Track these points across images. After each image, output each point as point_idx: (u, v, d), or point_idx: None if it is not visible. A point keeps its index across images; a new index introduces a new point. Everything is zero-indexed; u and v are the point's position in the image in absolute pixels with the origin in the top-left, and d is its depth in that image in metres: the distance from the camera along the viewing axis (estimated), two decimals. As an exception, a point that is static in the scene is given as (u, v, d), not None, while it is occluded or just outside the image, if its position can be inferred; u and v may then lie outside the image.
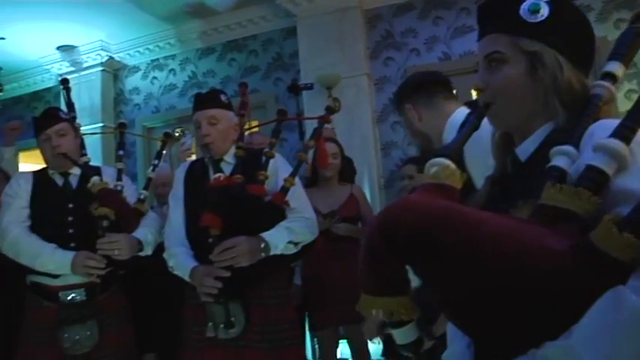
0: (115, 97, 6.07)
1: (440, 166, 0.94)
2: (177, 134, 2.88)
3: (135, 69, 6.03)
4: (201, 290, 2.08)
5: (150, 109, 5.85)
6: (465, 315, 0.88)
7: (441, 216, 0.82)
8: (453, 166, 0.94)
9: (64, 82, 2.77)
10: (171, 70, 5.79)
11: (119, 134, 2.69)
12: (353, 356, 3.29)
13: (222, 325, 2.10)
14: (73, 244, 2.36)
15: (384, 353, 3.24)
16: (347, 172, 3.45)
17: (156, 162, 2.66)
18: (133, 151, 5.80)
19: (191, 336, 2.26)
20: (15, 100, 6.80)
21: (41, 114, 2.53)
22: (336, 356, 3.32)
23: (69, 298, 2.35)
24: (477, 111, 1.05)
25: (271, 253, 2.07)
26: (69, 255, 2.30)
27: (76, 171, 2.50)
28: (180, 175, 2.44)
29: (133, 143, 5.76)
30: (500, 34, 1.03)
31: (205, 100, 2.35)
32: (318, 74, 4.55)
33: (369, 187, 4.31)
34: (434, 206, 0.85)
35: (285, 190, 2.14)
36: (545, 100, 0.99)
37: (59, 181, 2.50)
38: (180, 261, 2.23)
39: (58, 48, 5.91)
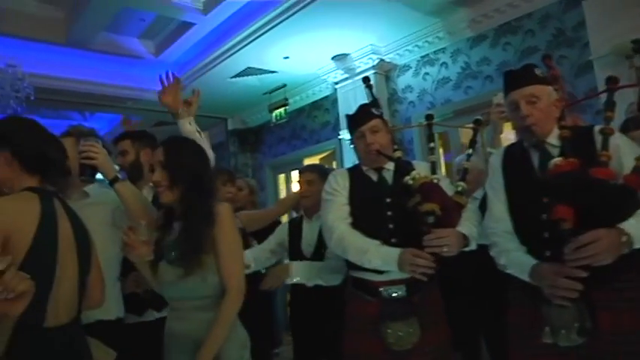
0: (389, 98, 6.17)
1: None
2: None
3: (406, 67, 6.06)
4: (552, 291, 1.84)
5: (424, 105, 5.81)
6: None
7: None
8: None
9: (366, 80, 2.79)
10: (443, 63, 5.69)
11: (427, 127, 2.61)
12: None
13: (563, 331, 1.86)
14: (393, 240, 2.33)
15: None
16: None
17: (470, 151, 2.52)
18: (411, 148, 5.84)
19: (521, 342, 2.06)
20: (298, 112, 7.42)
21: (355, 112, 2.55)
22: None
23: (390, 294, 2.35)
24: None
25: (635, 246, 1.76)
26: (395, 252, 2.26)
27: (389, 166, 2.49)
28: (495, 163, 2.25)
29: (410, 141, 5.79)
30: None
31: (520, 76, 2.11)
32: (612, 44, 4.01)
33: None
34: None
35: (638, 170, 1.82)
36: None
37: (373, 176, 2.50)
38: (515, 258, 2.03)
39: (333, 58, 6.22)
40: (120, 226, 2.35)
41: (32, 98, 5.42)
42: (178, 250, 2.04)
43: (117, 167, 2.52)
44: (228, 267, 2.04)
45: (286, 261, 3.18)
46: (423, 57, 5.88)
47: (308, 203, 3.13)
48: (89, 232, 1.95)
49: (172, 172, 2.06)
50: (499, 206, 2.17)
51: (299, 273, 2.87)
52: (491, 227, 2.19)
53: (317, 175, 3.15)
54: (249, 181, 5.00)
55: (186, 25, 6.06)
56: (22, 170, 1.80)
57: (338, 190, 2.50)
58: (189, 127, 2.62)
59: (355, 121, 2.51)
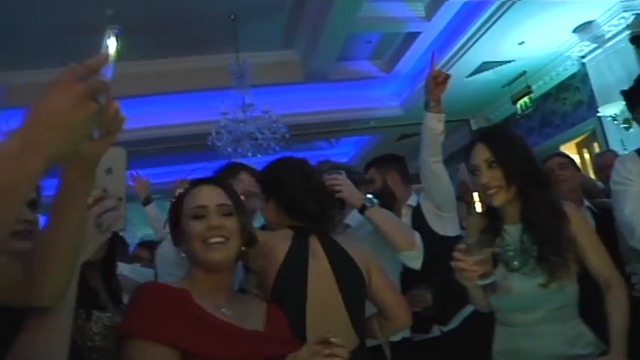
0: (653, 59, 5.35)
1: None
2: None
3: (673, 17, 5.18)
4: None
5: None
6: None
7: None
8: None
9: (636, 39, 2.38)
10: None
11: None
12: None
13: None
14: None
15: None
16: None
17: None
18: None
19: None
20: (544, 97, 6.95)
21: (634, 84, 2.20)
22: None
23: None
24: None
25: None
26: None
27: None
28: None
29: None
30: None
31: None
32: None
33: None
34: None
35: None
36: None
37: None
38: None
39: (574, 30, 5.66)
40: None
41: (287, 136, 5.85)
42: (523, 255, 1.80)
43: (369, 195, 2.48)
44: (602, 261, 1.76)
45: None
46: (698, -3, 4.94)
47: (565, 188, 2.83)
48: (357, 266, 1.87)
49: (506, 170, 1.82)
50: None
51: None
52: None
53: (567, 160, 2.96)
54: None
55: (412, 36, 6.08)
56: (286, 214, 1.90)
57: (630, 177, 2.15)
58: (438, 124, 2.42)
59: (637, 96, 2.16)
